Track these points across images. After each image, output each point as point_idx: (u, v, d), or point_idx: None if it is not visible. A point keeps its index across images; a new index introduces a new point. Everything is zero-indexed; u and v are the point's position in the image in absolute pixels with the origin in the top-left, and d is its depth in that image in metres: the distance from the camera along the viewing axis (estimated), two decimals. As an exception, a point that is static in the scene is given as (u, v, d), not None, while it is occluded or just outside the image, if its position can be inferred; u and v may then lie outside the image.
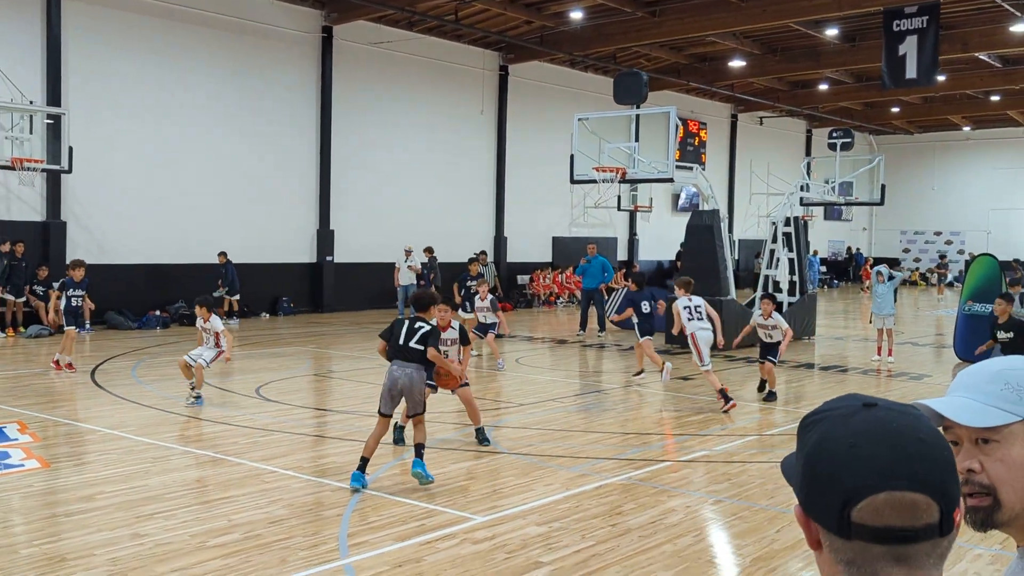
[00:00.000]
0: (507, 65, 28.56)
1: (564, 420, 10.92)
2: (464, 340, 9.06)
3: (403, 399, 7.67)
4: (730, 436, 10.09)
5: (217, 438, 9.44)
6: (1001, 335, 11.22)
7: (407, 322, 7.86)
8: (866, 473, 1.15)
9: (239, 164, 22.26)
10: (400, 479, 7.90)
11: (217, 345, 11.35)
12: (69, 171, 18.25)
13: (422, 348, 7.67)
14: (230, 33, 21.96)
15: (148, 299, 20.20)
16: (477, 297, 14.87)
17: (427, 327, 7.79)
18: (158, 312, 20.09)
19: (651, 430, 10.57)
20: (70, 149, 18.03)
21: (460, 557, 5.94)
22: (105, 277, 19.26)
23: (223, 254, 21.13)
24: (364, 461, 7.52)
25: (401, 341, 7.71)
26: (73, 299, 13.73)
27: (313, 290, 24.14)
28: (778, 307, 12.54)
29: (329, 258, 24.15)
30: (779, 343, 11.67)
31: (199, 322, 11.58)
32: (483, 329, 14.63)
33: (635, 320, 13.33)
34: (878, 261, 36.71)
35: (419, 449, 7.61)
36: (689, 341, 11.81)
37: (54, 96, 18.88)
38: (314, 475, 8.05)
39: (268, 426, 10.04)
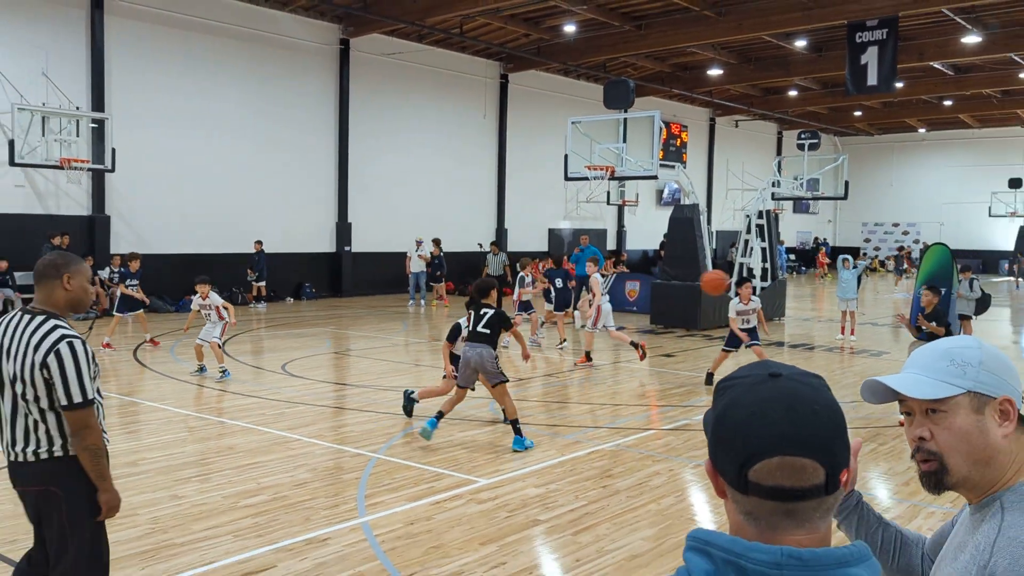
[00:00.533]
0: (507, 74, 28.44)
1: (560, 393, 10.92)
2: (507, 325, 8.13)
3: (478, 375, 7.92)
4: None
5: (247, 409, 9.44)
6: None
7: (471, 314, 8.03)
8: (763, 439, 1.18)
9: (265, 165, 22.19)
10: (412, 445, 7.90)
11: (220, 319, 11.41)
12: (112, 170, 18.21)
13: (489, 331, 7.83)
14: (256, 45, 21.84)
15: (185, 285, 20.17)
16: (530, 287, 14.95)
17: (492, 311, 7.94)
18: (194, 296, 20.03)
19: (638, 402, 10.57)
20: (113, 150, 17.99)
21: (466, 516, 5.94)
22: (145, 266, 19.22)
23: (259, 242, 21.11)
24: (440, 415, 7.91)
25: (471, 327, 7.95)
26: (131, 288, 14.02)
27: (333, 277, 24.12)
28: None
29: (347, 248, 24.12)
30: (755, 327, 11.39)
31: (197, 301, 11.62)
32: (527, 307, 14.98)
33: (552, 294, 14.99)
34: (842, 250, 36.68)
35: (515, 425, 7.79)
36: (594, 310, 12.69)
37: (98, 102, 18.80)
38: (335, 443, 8.05)
39: (293, 399, 10.04)
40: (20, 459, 3.50)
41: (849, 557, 1.18)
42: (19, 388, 3.44)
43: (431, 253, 22.37)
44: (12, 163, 16.83)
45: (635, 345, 12.40)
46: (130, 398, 10.07)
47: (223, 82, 21.25)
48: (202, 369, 11.46)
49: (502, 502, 6.25)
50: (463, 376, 7.92)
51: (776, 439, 1.19)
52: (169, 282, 19.91)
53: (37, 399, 3.43)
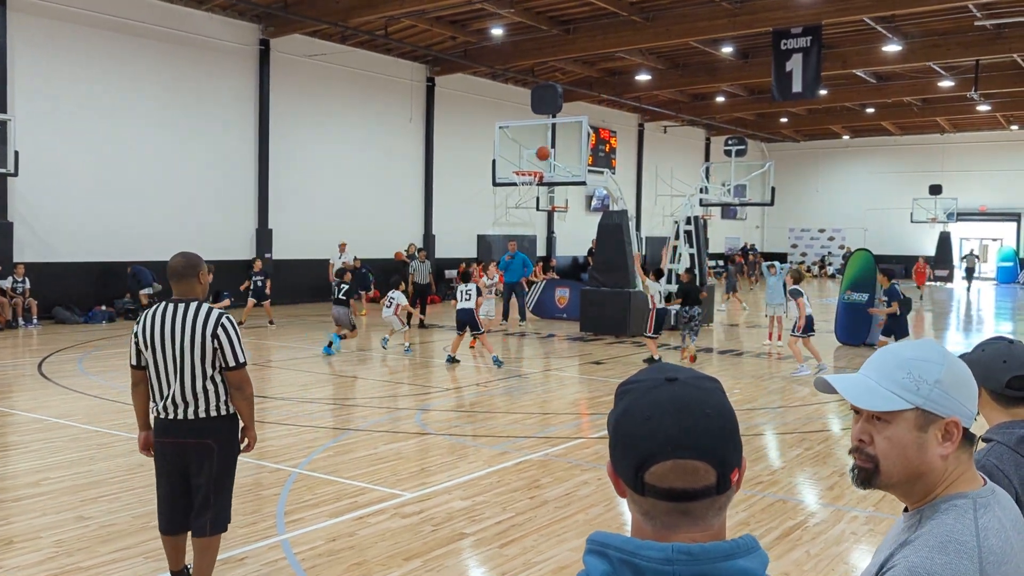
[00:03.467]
0: (434, 77, 28.40)
1: (487, 403, 10.93)
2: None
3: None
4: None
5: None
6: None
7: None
8: (656, 443, 1.25)
9: (182, 168, 21.67)
10: (334, 459, 7.82)
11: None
12: (15, 174, 17.53)
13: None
14: (172, 45, 21.33)
15: (94, 295, 19.57)
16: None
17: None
18: (103, 307, 19.45)
19: (567, 410, 10.65)
20: (16, 153, 17.32)
21: (390, 531, 5.90)
22: (51, 274, 18.63)
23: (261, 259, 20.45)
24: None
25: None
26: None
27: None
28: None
29: (268, 255, 23.69)
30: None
31: None
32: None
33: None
34: (769, 256, 37.68)
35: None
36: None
37: (0, 103, 18.11)
38: (253, 457, 7.89)
39: (210, 413, 9.81)
40: (182, 416, 4.47)
41: (736, 549, 1.24)
42: (188, 359, 4.43)
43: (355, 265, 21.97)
44: (-97, 166, 16.06)
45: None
46: (33, 414, 9.70)
47: (137, 83, 20.68)
48: None
49: (427, 516, 6.23)
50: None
51: (668, 443, 1.25)
52: (77, 292, 19.28)
53: (204, 366, 4.46)
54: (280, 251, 23.92)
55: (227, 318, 4.56)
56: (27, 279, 18.09)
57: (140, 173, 20.79)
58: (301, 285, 24.25)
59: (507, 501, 6.61)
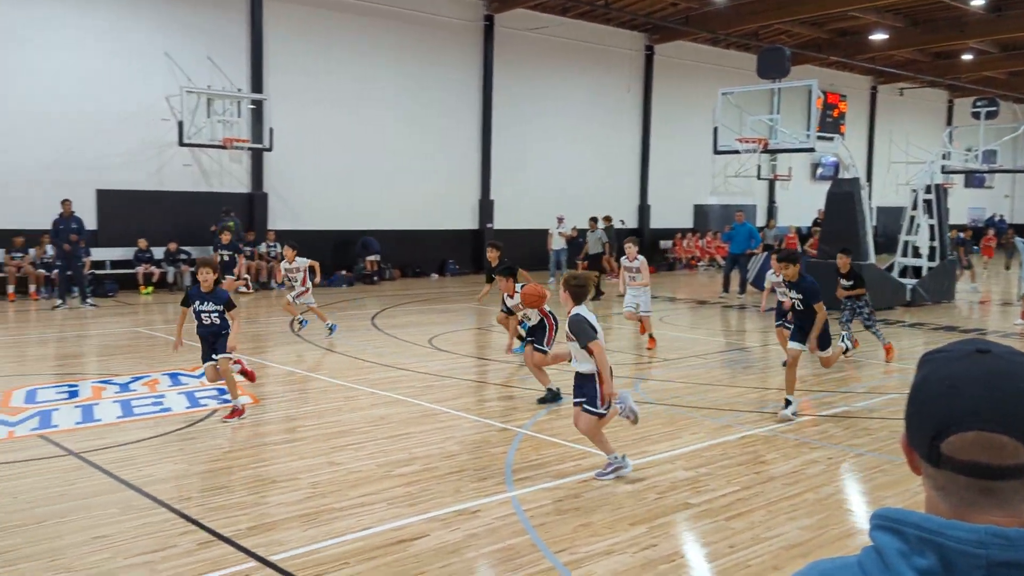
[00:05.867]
0: (652, 45, 27.92)
1: (707, 375, 10.70)
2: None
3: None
4: (870, 394, 9.63)
5: (397, 381, 9.76)
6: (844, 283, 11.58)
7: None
8: (958, 411, 1.15)
9: (411, 143, 22.79)
10: (557, 423, 7.96)
11: (303, 284, 12.60)
12: (270, 149, 19.18)
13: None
14: (402, 24, 22.39)
15: (335, 261, 21.09)
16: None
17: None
18: (343, 272, 20.92)
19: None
20: (271, 130, 18.92)
21: (614, 495, 5.94)
22: (299, 241, 20.20)
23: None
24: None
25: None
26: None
27: (476, 254, 24.52)
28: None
29: (489, 225, 24.46)
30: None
31: (284, 264, 12.77)
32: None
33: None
34: (1020, 228, 34.00)
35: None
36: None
37: (257, 84, 19.83)
38: (480, 416, 8.22)
39: (439, 372, 10.32)
40: None
41: None
42: None
43: (602, 229, 21.81)
44: (181, 143, 18.02)
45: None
46: (288, 367, 10.63)
47: (370, 61, 21.93)
48: (302, 322, 13.24)
49: (651, 483, 6.20)
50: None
51: (973, 412, 1.15)
52: (318, 258, 20.75)
53: None
54: (501, 221, 24.61)
55: None
56: (278, 244, 19.79)
57: (373, 146, 22.10)
58: (521, 254, 24.80)
59: (732, 474, 6.45)
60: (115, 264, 18.55)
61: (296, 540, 5.03)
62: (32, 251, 17.39)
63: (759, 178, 29.92)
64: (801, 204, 32.41)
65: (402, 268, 22.71)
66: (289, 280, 12.83)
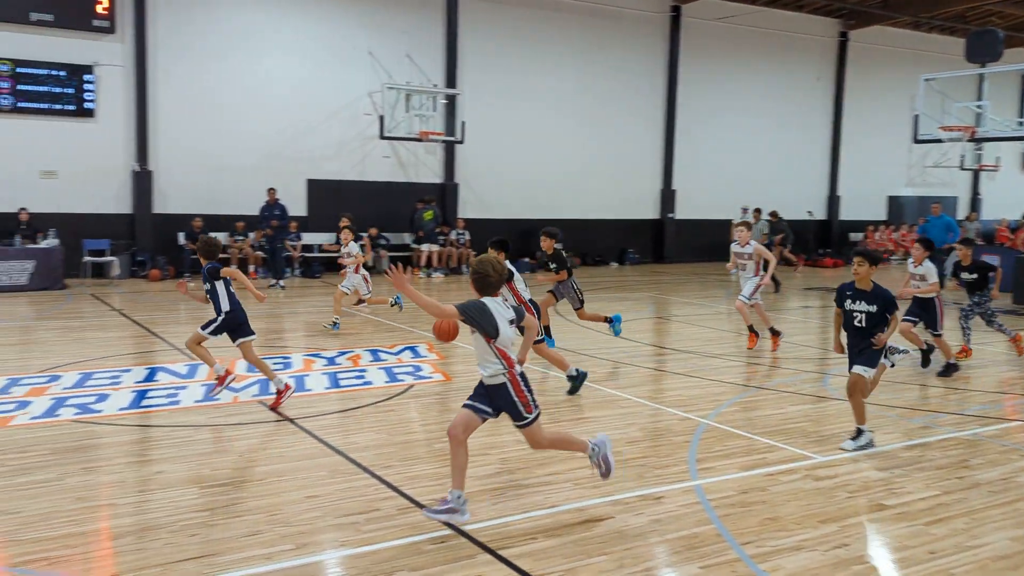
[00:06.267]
0: (847, 31, 26.41)
1: (901, 372, 10.05)
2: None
3: None
4: (1089, 402, 8.71)
5: (578, 365, 9.81)
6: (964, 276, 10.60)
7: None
8: None
9: (593, 132, 22.81)
10: (742, 415, 7.75)
11: (356, 271, 12.18)
12: (462, 142, 19.80)
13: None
14: (586, 17, 22.40)
15: (518, 249, 21.48)
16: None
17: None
18: (527, 260, 21.28)
19: (994, 389, 9.42)
20: (463, 123, 19.53)
21: (803, 491, 5.72)
22: (485, 229, 20.75)
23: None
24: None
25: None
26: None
27: (655, 243, 24.27)
28: (930, 255, 9.90)
29: (671, 215, 24.10)
30: (930, 299, 9.74)
31: (343, 248, 12.34)
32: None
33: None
34: None
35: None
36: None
37: (450, 80, 20.50)
38: (662, 405, 8.14)
39: (620, 359, 10.30)
40: None
41: None
42: None
43: (768, 222, 21.12)
44: (382, 136, 18.97)
45: (752, 329, 11.13)
46: (470, 346, 10.91)
47: (555, 54, 22.11)
48: (361, 302, 12.50)
49: (841, 481, 5.92)
50: None
51: None
52: (506, 245, 21.31)
53: None
54: (682, 211, 24.20)
55: None
56: (467, 231, 20.41)
57: (558, 137, 22.31)
58: (701, 244, 24.32)
59: (931, 478, 6.03)
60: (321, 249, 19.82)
61: (486, 512, 5.19)
62: (252, 235, 18.87)
63: (962, 168, 27.63)
64: (1009, 196, 29.73)
65: (582, 256, 22.82)
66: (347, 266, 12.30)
